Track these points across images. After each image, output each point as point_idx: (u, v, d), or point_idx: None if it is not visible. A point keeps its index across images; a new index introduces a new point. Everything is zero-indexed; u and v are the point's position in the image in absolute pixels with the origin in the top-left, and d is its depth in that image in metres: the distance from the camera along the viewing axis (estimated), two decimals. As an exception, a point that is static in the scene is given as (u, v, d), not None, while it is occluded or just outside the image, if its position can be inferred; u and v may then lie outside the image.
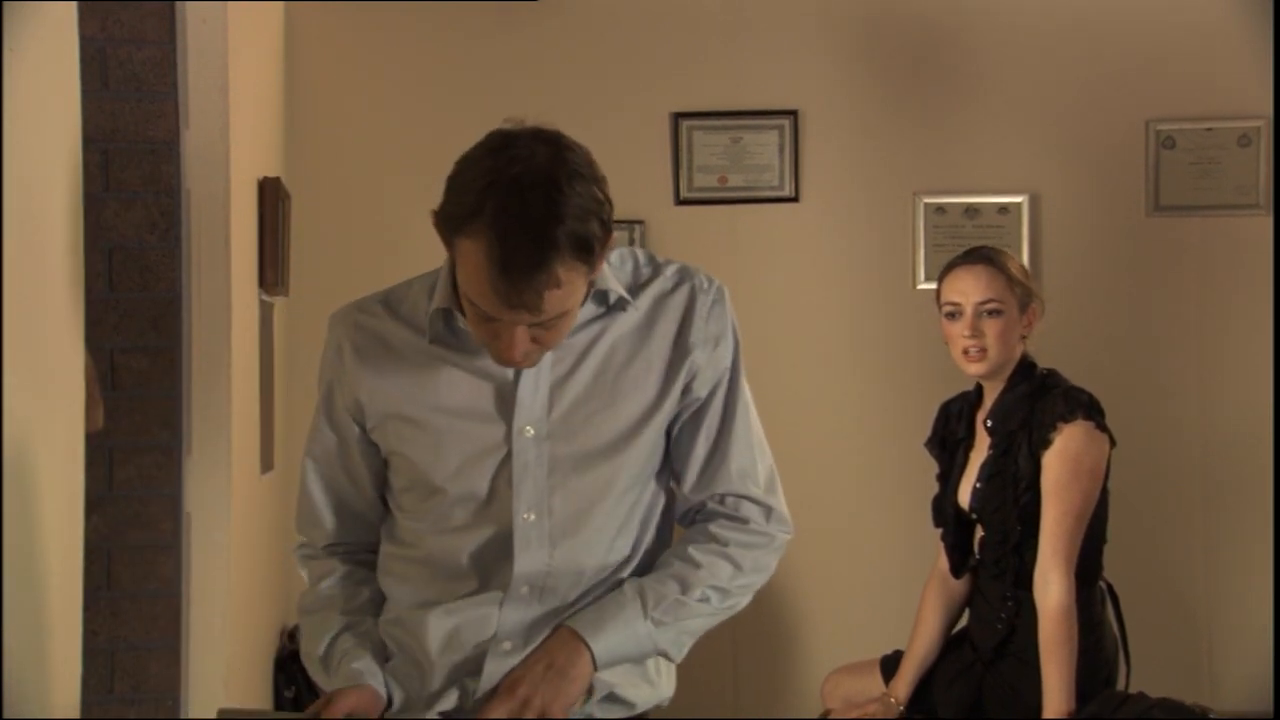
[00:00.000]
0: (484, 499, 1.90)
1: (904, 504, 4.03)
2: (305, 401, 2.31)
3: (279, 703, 3.62)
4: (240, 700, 3.02)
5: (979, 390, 3.08)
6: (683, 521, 2.05)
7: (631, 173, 4.03)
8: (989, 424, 2.98)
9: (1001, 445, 2.95)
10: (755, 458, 2.04)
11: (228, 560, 2.87)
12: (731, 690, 4.04)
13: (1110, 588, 3.06)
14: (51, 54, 1.83)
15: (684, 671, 4.30)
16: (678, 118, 4.03)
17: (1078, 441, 2.87)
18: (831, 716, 3.23)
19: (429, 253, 4.26)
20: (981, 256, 3.04)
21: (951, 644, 3.13)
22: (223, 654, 2.86)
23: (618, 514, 1.94)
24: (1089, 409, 2.89)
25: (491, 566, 1.92)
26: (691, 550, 1.96)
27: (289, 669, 3.62)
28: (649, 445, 1.94)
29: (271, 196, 3.30)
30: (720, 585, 1.97)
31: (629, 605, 1.91)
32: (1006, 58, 4.03)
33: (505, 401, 1.89)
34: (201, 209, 2.84)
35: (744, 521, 2.03)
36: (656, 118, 4.04)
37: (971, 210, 4.02)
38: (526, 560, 1.90)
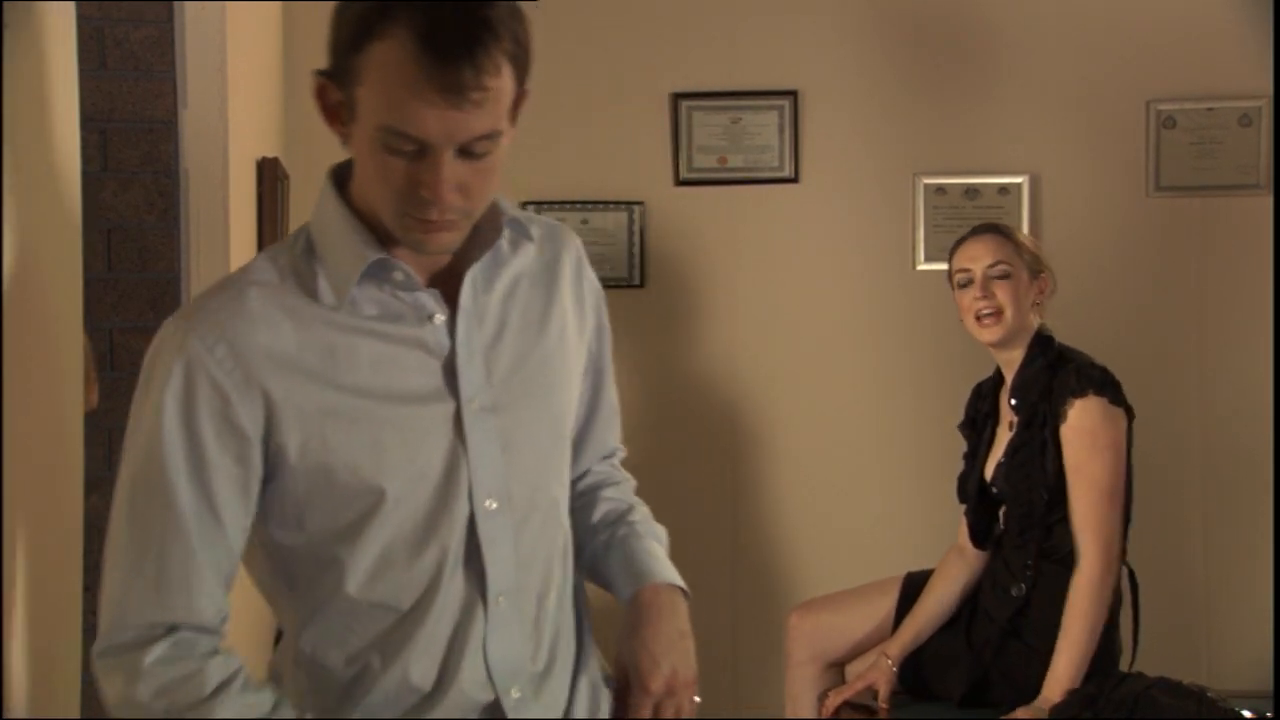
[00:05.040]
0: (433, 496, 1.62)
1: (906, 483, 4.04)
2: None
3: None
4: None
5: (1000, 372, 3.10)
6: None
7: (631, 154, 4.03)
8: (1013, 402, 2.99)
9: (1024, 418, 2.95)
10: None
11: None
12: (731, 690, 4.05)
13: (1132, 574, 3.07)
14: (50, 34, 1.82)
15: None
16: (677, 98, 4.02)
17: (1092, 417, 2.88)
18: (830, 692, 3.22)
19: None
20: (989, 228, 3.11)
21: (948, 627, 3.13)
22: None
23: (563, 488, 1.76)
24: (1100, 384, 2.90)
25: (445, 603, 1.63)
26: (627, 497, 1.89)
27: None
28: (573, 404, 1.79)
29: (270, 177, 3.29)
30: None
31: (659, 548, 1.82)
32: (1007, 38, 4.02)
33: (447, 372, 1.63)
34: (200, 189, 2.83)
35: (617, 451, 1.96)
36: (656, 98, 4.03)
37: (972, 191, 4.02)
38: (496, 558, 1.64)
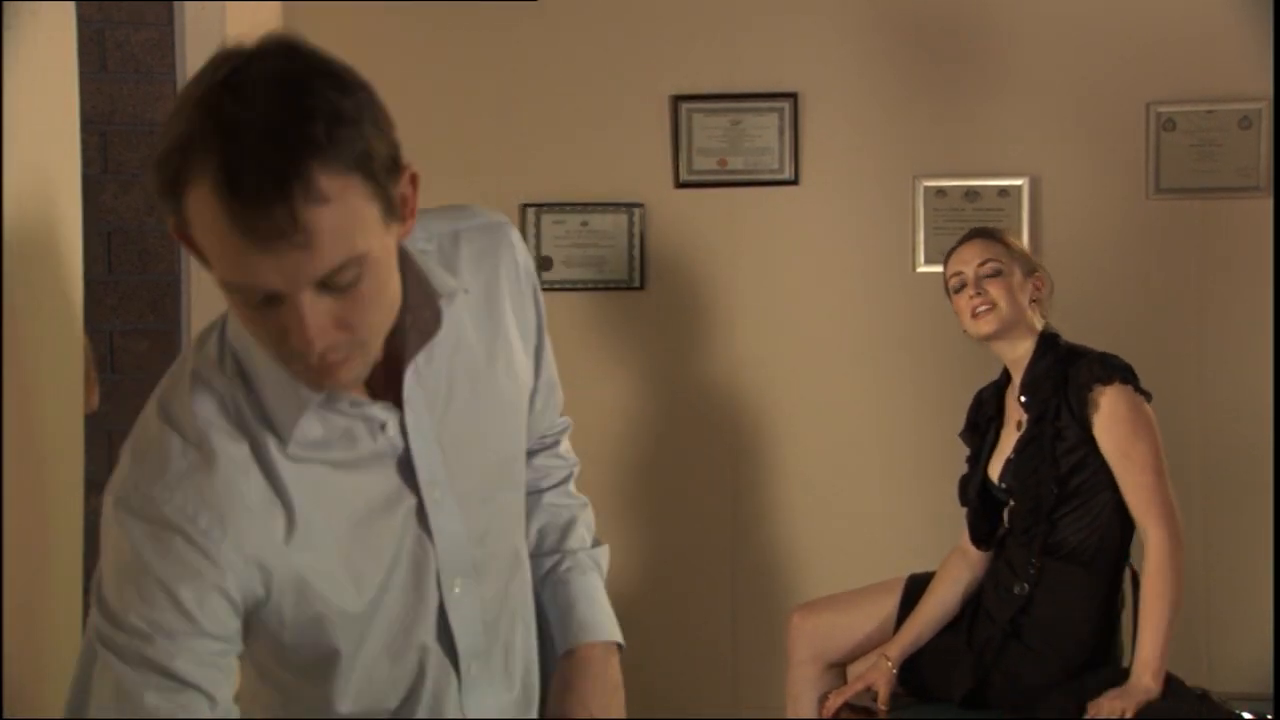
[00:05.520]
0: (406, 598, 1.59)
1: (907, 484, 4.03)
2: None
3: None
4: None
5: (1006, 373, 3.09)
6: None
7: (631, 156, 4.03)
8: (1023, 399, 2.98)
9: (1035, 413, 2.95)
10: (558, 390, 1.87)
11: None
12: (731, 690, 4.05)
13: (1133, 574, 3.07)
14: (50, 35, 1.82)
15: (684, 671, 4.34)
16: (677, 100, 4.02)
17: (1124, 403, 2.89)
18: (830, 693, 3.22)
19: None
20: (977, 232, 3.14)
21: (949, 628, 3.13)
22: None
23: (522, 533, 1.75)
24: (1125, 372, 2.92)
25: (426, 687, 1.64)
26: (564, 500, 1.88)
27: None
28: (523, 431, 1.74)
29: (270, 179, 3.29)
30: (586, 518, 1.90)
31: (599, 583, 1.83)
32: (1007, 40, 4.02)
33: (405, 470, 1.56)
34: (200, 191, 2.83)
35: (563, 429, 1.92)
36: (656, 100, 4.03)
37: (972, 193, 4.02)
38: (466, 632, 1.64)
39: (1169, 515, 2.88)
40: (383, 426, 1.53)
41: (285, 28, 3.87)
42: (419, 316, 1.52)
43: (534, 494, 1.87)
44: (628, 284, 4.02)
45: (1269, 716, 2.94)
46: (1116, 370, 2.91)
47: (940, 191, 4.02)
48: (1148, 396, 2.95)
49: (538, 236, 3.99)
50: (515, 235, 1.69)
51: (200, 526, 1.44)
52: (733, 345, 4.06)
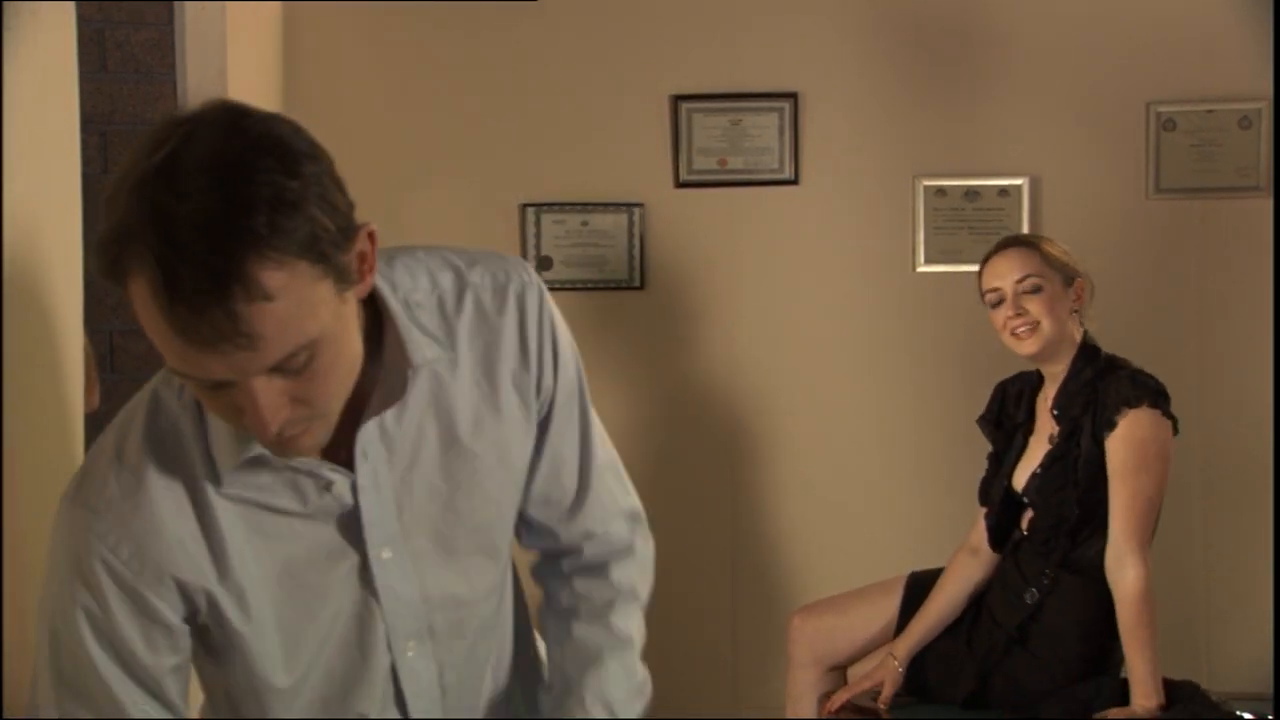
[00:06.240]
0: (348, 658, 1.54)
1: (907, 484, 4.03)
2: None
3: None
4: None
5: (1039, 375, 3.05)
6: (541, 570, 1.74)
7: (631, 155, 4.03)
8: (1055, 412, 2.94)
9: (1066, 430, 2.91)
10: (618, 488, 1.70)
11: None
12: (731, 690, 4.04)
13: None
14: (50, 35, 1.82)
15: (684, 671, 4.32)
16: (677, 100, 4.02)
17: (1144, 427, 2.84)
18: (833, 693, 3.21)
19: (427, 237, 4.26)
20: (1013, 241, 3.05)
21: (950, 629, 3.12)
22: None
23: (502, 595, 1.64)
24: (1156, 395, 2.87)
25: None
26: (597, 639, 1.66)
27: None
28: (509, 500, 1.60)
29: (270, 179, 3.29)
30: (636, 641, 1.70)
31: None
32: (1007, 40, 4.02)
33: (348, 528, 1.48)
34: (200, 191, 2.83)
35: (623, 553, 1.71)
36: (656, 100, 4.03)
37: (972, 193, 4.02)
38: (418, 693, 1.58)
39: (1146, 546, 2.84)
40: (329, 486, 1.47)
41: (286, 28, 3.87)
42: (391, 376, 1.46)
43: (566, 618, 1.69)
44: (628, 284, 4.02)
45: (1269, 716, 2.93)
46: (1147, 393, 2.86)
47: (940, 191, 4.02)
48: (1175, 421, 2.92)
49: (538, 236, 3.99)
50: (533, 297, 1.55)
51: (121, 557, 1.42)
52: (732, 345, 4.06)
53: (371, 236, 1.35)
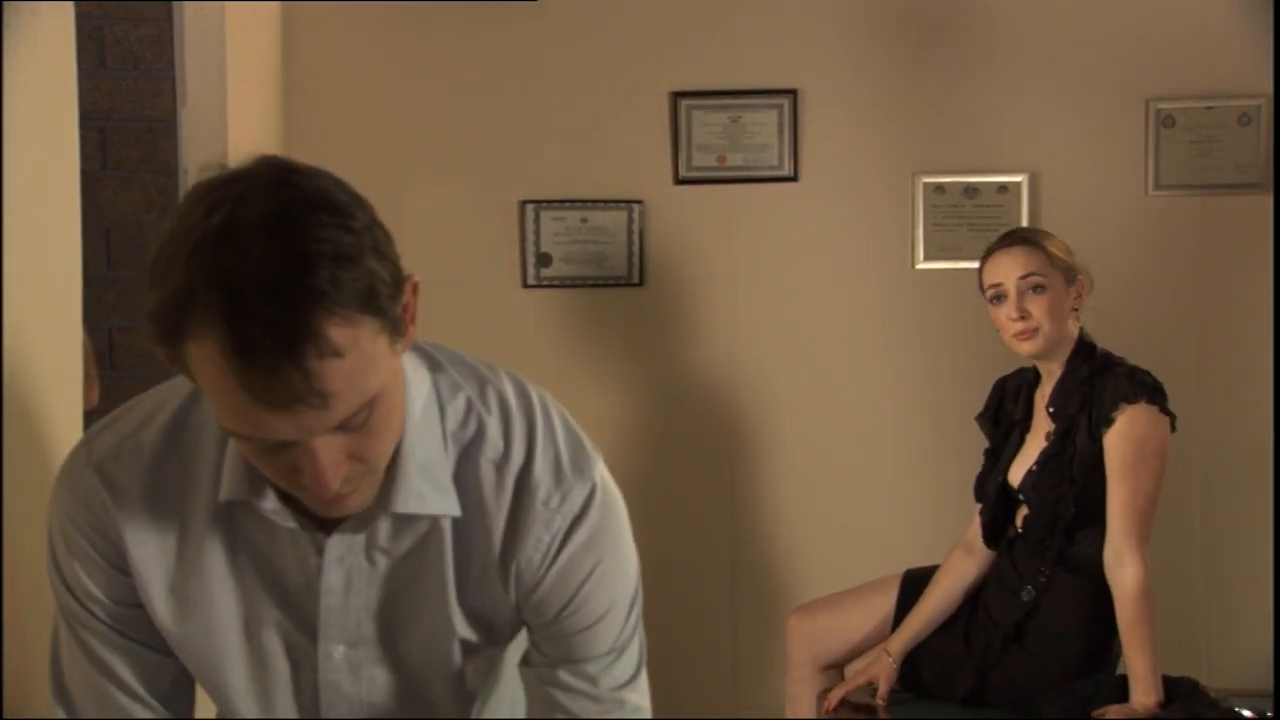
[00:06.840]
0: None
1: (906, 482, 4.03)
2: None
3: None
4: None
5: (1036, 371, 3.05)
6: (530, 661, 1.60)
7: (630, 152, 4.03)
8: (1051, 409, 2.94)
9: (1062, 427, 2.91)
10: (628, 633, 1.57)
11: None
12: (731, 690, 4.04)
13: None
14: (49, 32, 1.82)
15: (684, 671, 4.32)
16: (676, 97, 4.02)
17: (1142, 423, 2.84)
18: (830, 691, 3.21)
19: (427, 234, 4.26)
20: (1017, 238, 3.03)
21: (945, 626, 3.11)
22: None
23: (461, 696, 1.58)
24: (1153, 391, 2.86)
25: None
26: None
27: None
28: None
29: (269, 176, 3.28)
30: None
31: None
32: (1006, 36, 4.01)
33: (301, 618, 1.47)
34: (199, 188, 2.82)
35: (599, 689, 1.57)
36: (655, 97, 4.03)
37: (971, 189, 4.01)
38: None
39: (1144, 544, 2.84)
40: (304, 559, 1.46)
41: (285, 24, 3.87)
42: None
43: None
44: (627, 280, 4.02)
45: (1269, 714, 2.93)
46: (1144, 389, 2.85)
47: (939, 188, 4.02)
48: (1173, 418, 2.92)
49: (537, 233, 3.99)
50: (574, 503, 1.48)
51: (94, 507, 1.46)
52: (732, 341, 4.05)
53: (415, 288, 1.34)
